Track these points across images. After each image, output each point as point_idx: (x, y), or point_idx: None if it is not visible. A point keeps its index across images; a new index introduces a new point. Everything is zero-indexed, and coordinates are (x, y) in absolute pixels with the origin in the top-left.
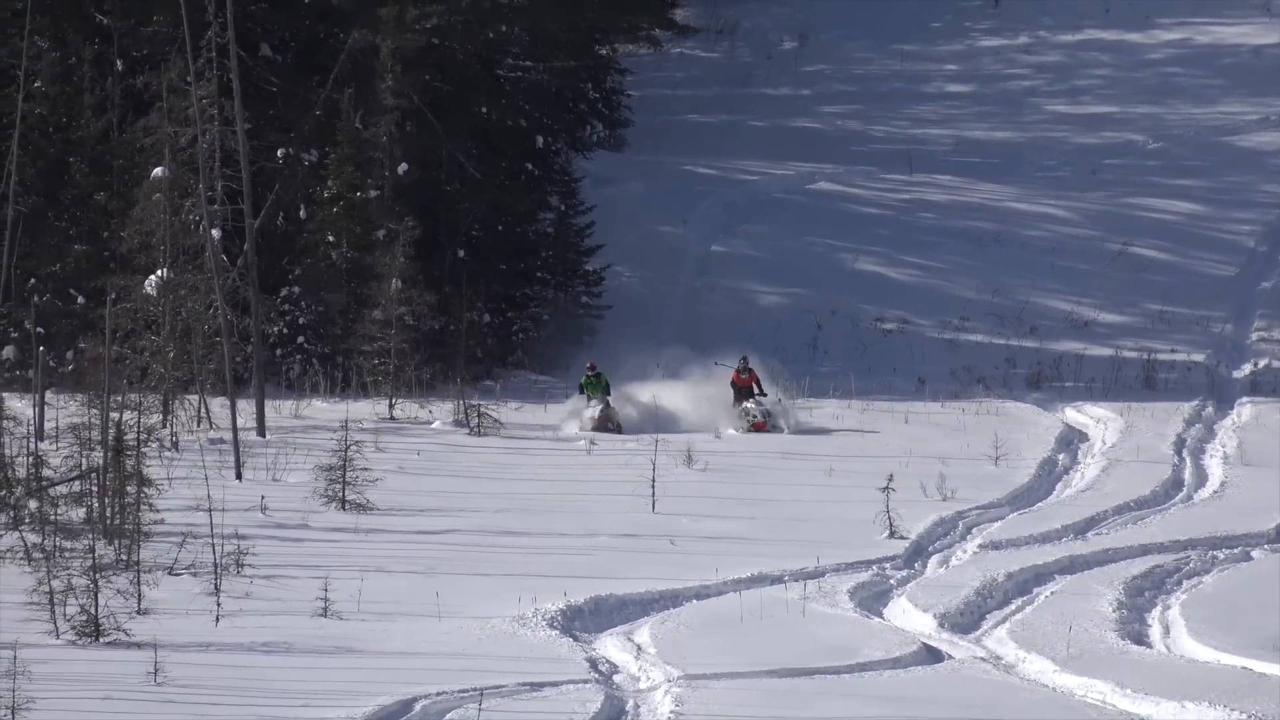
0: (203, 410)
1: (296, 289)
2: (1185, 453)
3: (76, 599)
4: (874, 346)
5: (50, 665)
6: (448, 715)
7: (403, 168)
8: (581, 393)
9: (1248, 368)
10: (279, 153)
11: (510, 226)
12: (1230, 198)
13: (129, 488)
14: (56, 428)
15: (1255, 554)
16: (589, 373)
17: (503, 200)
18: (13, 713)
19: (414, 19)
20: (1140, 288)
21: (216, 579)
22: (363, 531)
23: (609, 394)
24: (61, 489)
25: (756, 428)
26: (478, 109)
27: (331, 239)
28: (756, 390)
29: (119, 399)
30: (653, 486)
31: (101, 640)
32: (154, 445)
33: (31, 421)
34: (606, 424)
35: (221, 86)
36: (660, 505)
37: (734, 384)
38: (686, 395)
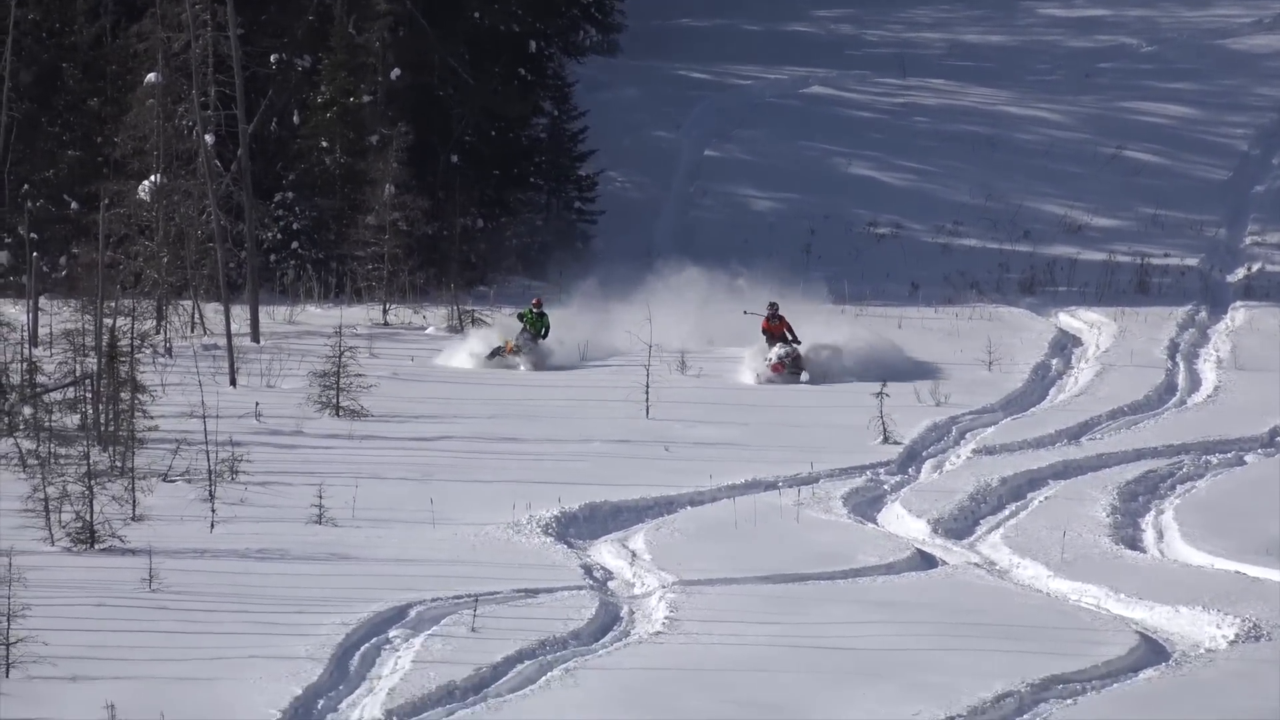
0: (196, 316)
1: (290, 194)
2: (1179, 357)
3: (71, 505)
4: (867, 251)
5: (45, 571)
6: (443, 620)
7: (395, 73)
8: (521, 320)
9: (1241, 272)
10: (272, 58)
11: (503, 132)
12: (1224, 101)
13: (123, 394)
14: (50, 334)
15: (1249, 459)
16: (533, 308)
17: (495, 105)
18: (7, 619)
19: None
20: (1133, 192)
21: (211, 486)
22: (357, 438)
23: (544, 336)
24: (55, 395)
25: (774, 369)
26: (470, 14)
27: (325, 144)
28: (790, 336)
29: (112, 305)
30: (646, 393)
31: (96, 547)
32: (148, 351)
33: (25, 327)
34: (515, 354)
35: None
36: (654, 411)
37: (765, 331)
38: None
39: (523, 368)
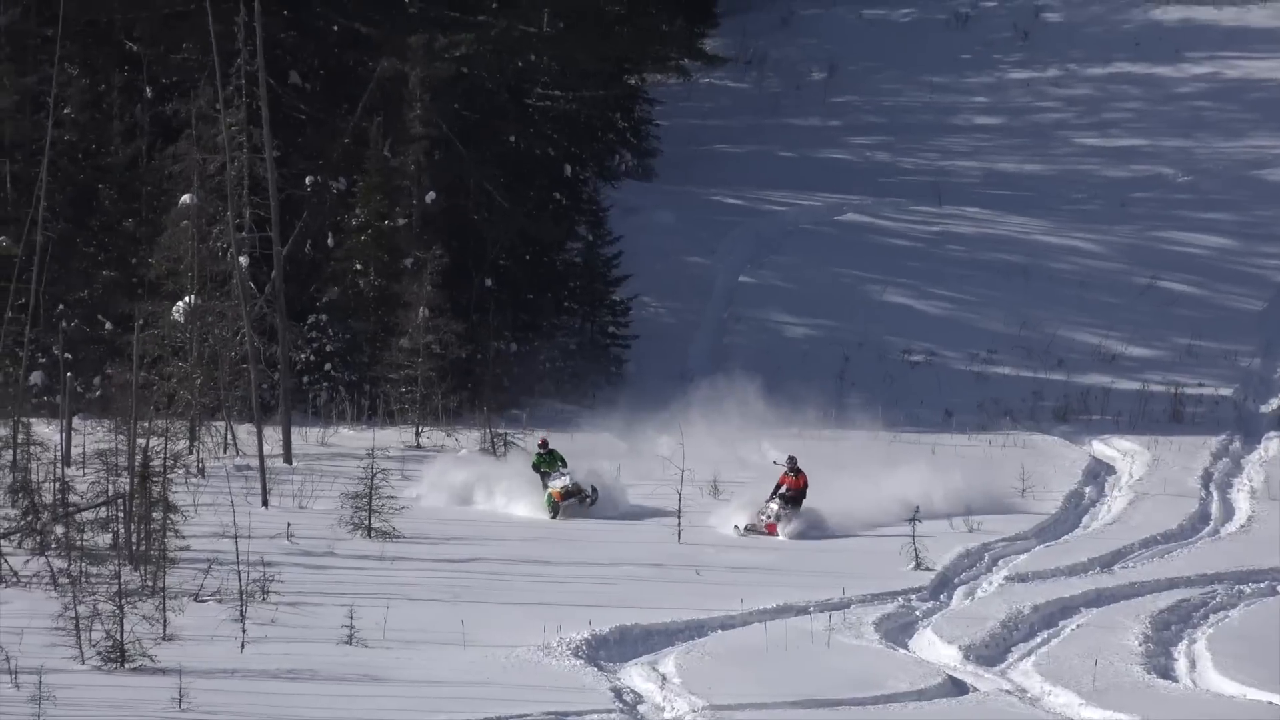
0: (229, 437)
1: (324, 316)
2: (1212, 487)
3: (102, 624)
4: (901, 378)
5: (75, 691)
6: None
7: (430, 196)
8: (536, 470)
9: (1275, 402)
10: (307, 180)
11: (538, 256)
12: (1259, 232)
13: (155, 514)
14: (83, 453)
15: None
16: (540, 450)
17: (530, 229)
18: None
19: (442, 48)
20: (1168, 321)
21: (242, 606)
22: (388, 559)
23: (566, 467)
24: (88, 515)
25: (769, 529)
26: (506, 138)
27: (359, 267)
28: (803, 495)
29: (146, 425)
30: (678, 517)
31: (127, 666)
32: (180, 472)
33: (58, 447)
34: (577, 495)
35: (250, 114)
36: (686, 535)
37: (779, 485)
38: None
39: (588, 501)
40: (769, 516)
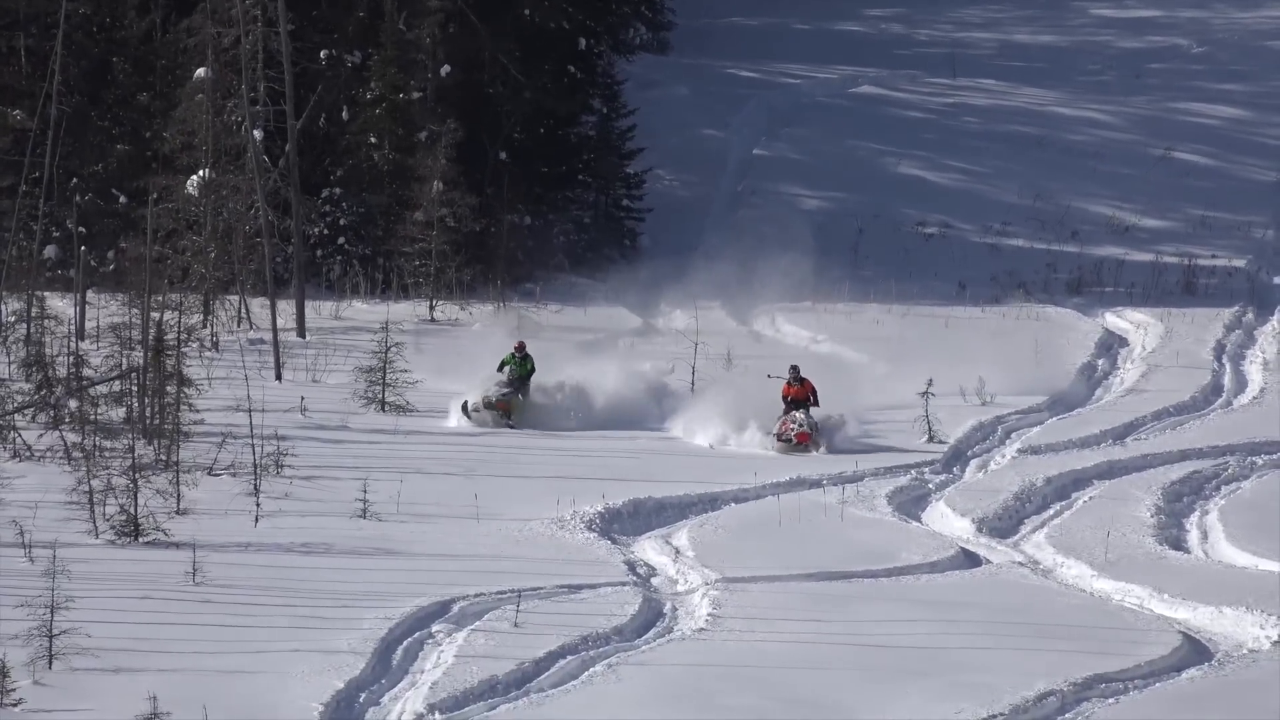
0: (243, 310)
1: (338, 190)
2: (1225, 359)
3: (116, 499)
4: (915, 251)
5: (89, 564)
6: (486, 615)
7: (445, 70)
8: (502, 368)
9: None
10: (322, 54)
11: (552, 129)
12: (1273, 102)
13: (169, 388)
14: (97, 327)
15: None
16: (515, 352)
17: (544, 103)
18: (51, 611)
19: None
20: (1182, 193)
21: (256, 479)
22: (402, 433)
23: (527, 382)
24: (101, 388)
25: (799, 438)
26: (521, 11)
27: (373, 141)
28: (811, 401)
29: (160, 299)
30: (692, 388)
31: (140, 540)
32: (194, 345)
33: (72, 321)
34: (502, 411)
35: None
36: (700, 407)
37: (785, 397)
38: (622, 381)
39: (499, 419)
40: (799, 425)
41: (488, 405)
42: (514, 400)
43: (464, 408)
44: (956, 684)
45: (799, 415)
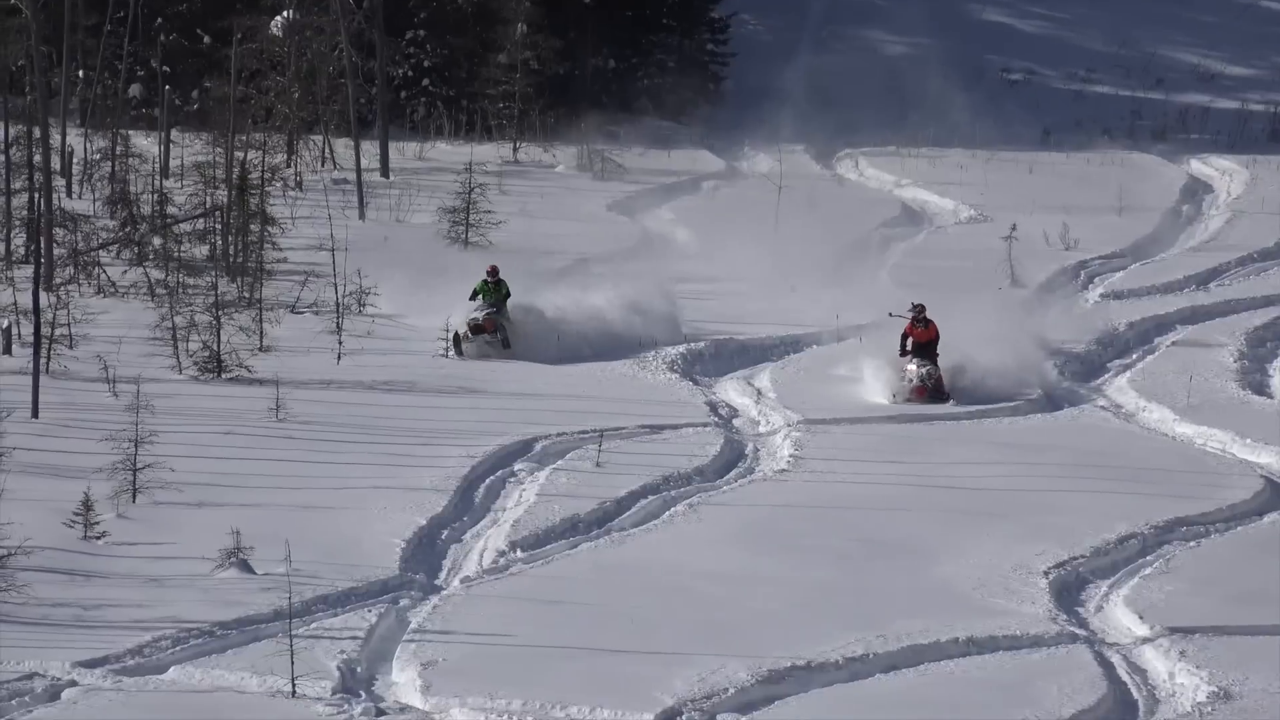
0: (327, 151)
1: (421, 32)
2: None
3: (199, 335)
4: (1000, 97)
5: (172, 400)
6: (568, 455)
7: None
8: (473, 298)
9: None
10: None
11: None
12: None
13: (252, 226)
14: (181, 166)
15: None
16: (488, 277)
17: None
18: (135, 445)
19: None
20: (1269, 40)
21: (338, 318)
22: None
23: (505, 306)
24: (185, 226)
25: (918, 392)
26: None
27: None
28: (934, 347)
29: (243, 139)
30: (775, 228)
31: (223, 376)
32: (278, 184)
33: (156, 159)
34: (489, 332)
35: None
36: (784, 250)
37: (905, 336)
38: (615, 303)
39: (492, 342)
40: (914, 380)
41: (475, 329)
42: (499, 319)
43: (455, 341)
44: (1037, 526)
45: (911, 368)
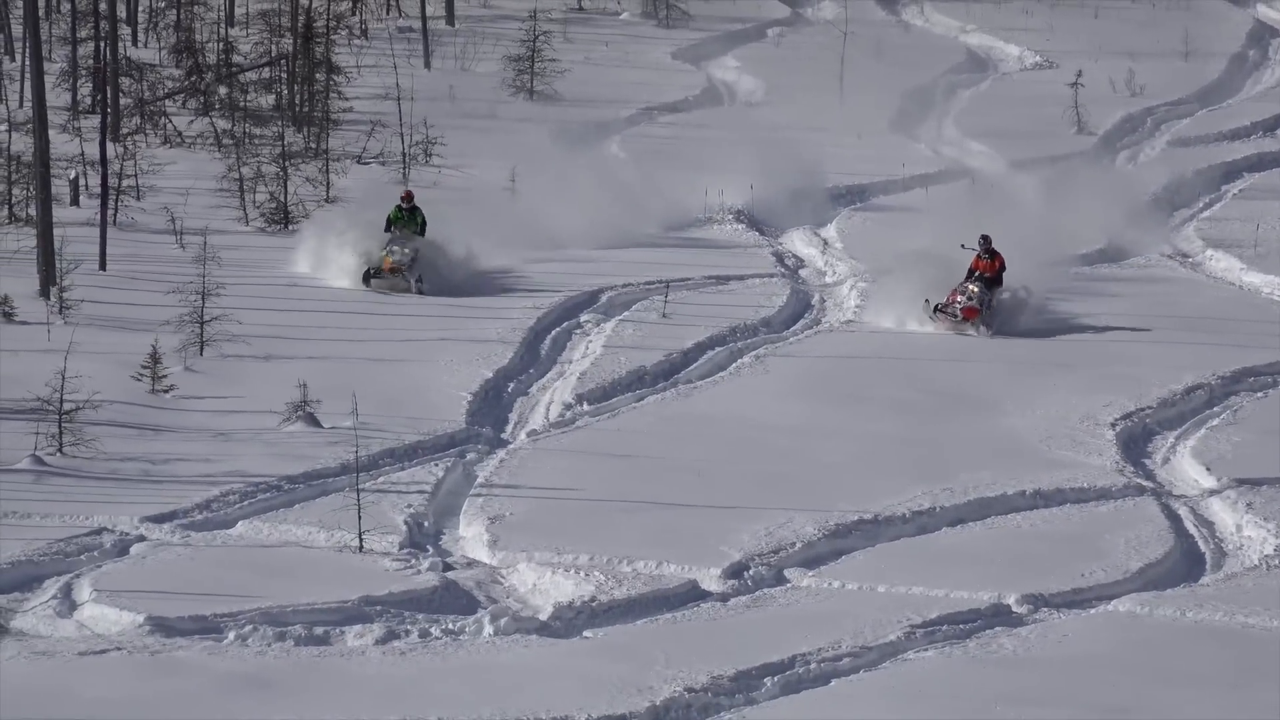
0: None
1: None
2: None
3: (265, 186)
4: None
5: (239, 251)
6: (634, 306)
7: None
8: (388, 228)
9: None
10: None
11: None
12: None
13: (318, 75)
14: (246, 14)
15: None
16: (402, 203)
17: None
18: (202, 297)
19: None
20: None
21: (404, 168)
22: (551, 122)
23: (421, 235)
24: (251, 75)
25: (966, 313)
26: None
27: None
28: (998, 278)
29: None
30: (840, 76)
31: (290, 228)
32: (343, 33)
33: (221, 7)
34: (400, 276)
35: None
36: (849, 99)
37: (972, 271)
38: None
39: (413, 286)
40: (968, 298)
41: (394, 270)
42: (413, 263)
43: (365, 277)
44: (1104, 377)
45: (970, 286)
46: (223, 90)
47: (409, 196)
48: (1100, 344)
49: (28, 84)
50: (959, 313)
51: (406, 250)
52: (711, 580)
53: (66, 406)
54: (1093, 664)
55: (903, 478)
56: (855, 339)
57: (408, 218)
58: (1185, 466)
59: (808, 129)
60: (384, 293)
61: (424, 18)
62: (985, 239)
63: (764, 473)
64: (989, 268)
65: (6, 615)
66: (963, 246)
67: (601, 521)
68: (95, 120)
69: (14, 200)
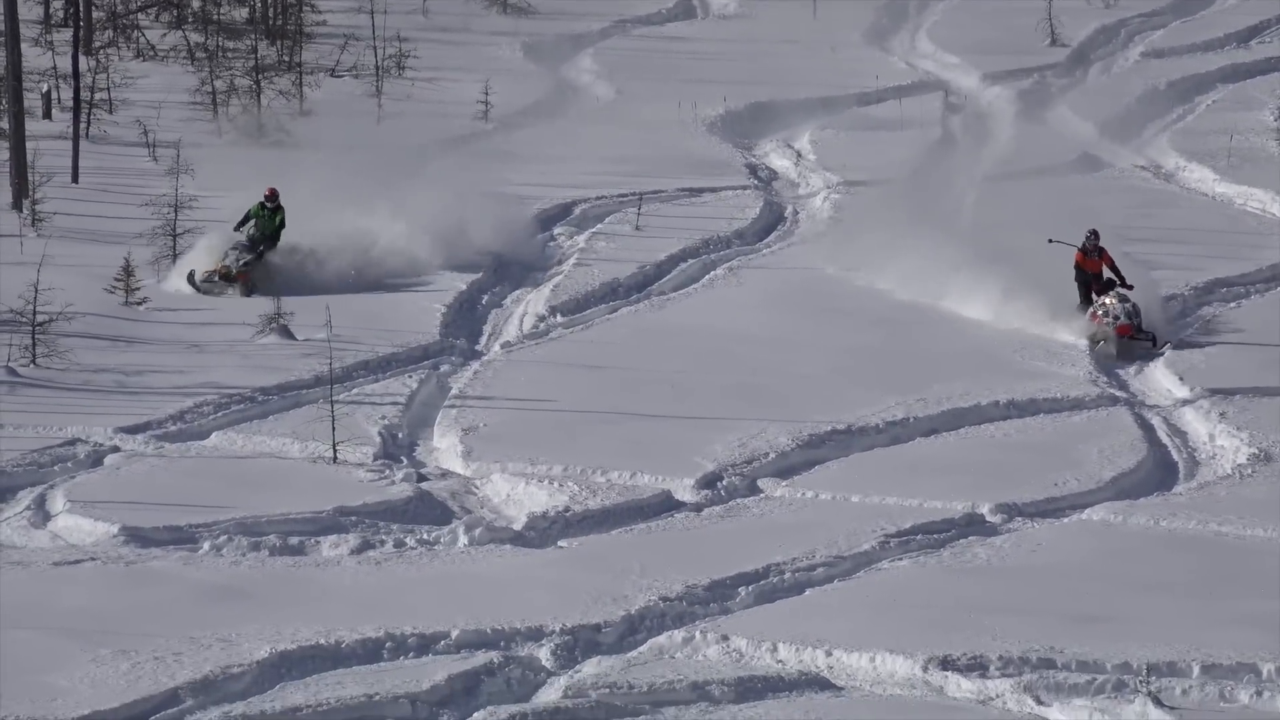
0: None
1: None
2: None
3: (239, 99)
4: None
5: (212, 164)
6: (607, 219)
7: None
8: (241, 225)
9: None
10: None
11: None
12: None
13: None
14: None
15: None
16: (265, 201)
17: None
18: (175, 210)
19: None
20: None
21: (378, 81)
22: (522, 35)
23: (275, 240)
24: None
25: (1120, 331)
26: None
27: None
28: (1115, 275)
29: None
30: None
31: (264, 141)
32: None
33: None
34: (242, 282)
35: None
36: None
37: (1078, 267)
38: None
39: (236, 291)
40: (1118, 318)
41: (224, 277)
42: (255, 269)
43: (189, 278)
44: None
45: (1112, 303)
46: (196, 3)
47: (273, 195)
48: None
49: None
50: (1114, 332)
51: (243, 256)
52: (685, 490)
53: (39, 318)
54: (1065, 572)
55: (876, 388)
56: (826, 250)
57: (268, 217)
58: (1158, 376)
59: (781, 41)
60: (210, 294)
61: None
62: (1093, 233)
63: (737, 384)
64: (1096, 265)
65: None
66: (1051, 241)
67: (575, 432)
68: (68, 34)
69: None
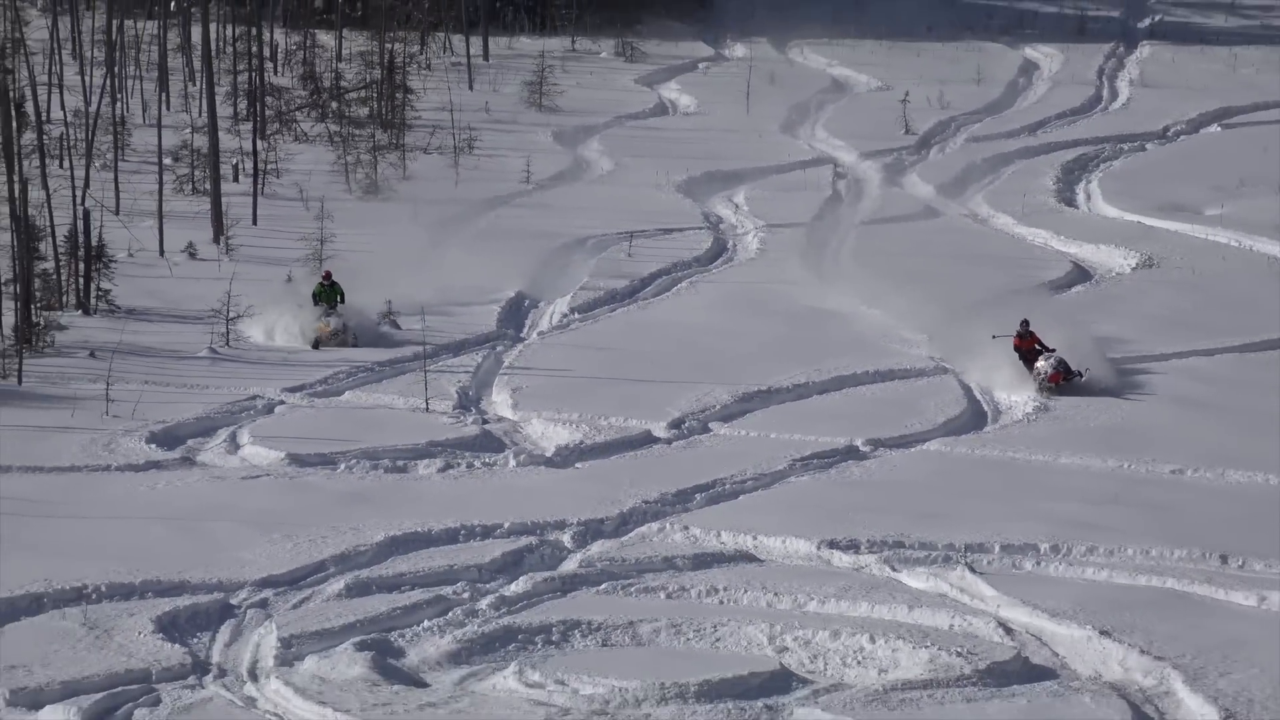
0: (447, 43)
1: None
2: (1104, 78)
3: (362, 168)
4: (895, 5)
5: (345, 212)
6: (608, 249)
7: None
8: (316, 304)
9: (1147, 20)
10: None
11: None
12: None
13: (398, 94)
14: (350, 53)
15: (1149, 146)
16: (323, 281)
17: None
18: (321, 242)
19: None
20: None
21: (455, 157)
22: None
23: (342, 303)
24: (353, 95)
25: (1052, 379)
26: None
27: None
28: (1040, 347)
29: (391, 34)
30: (747, 95)
31: (379, 196)
32: (414, 65)
33: (332, 48)
34: (339, 338)
35: None
36: (753, 110)
37: (1017, 349)
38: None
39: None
40: (1048, 370)
41: (333, 335)
42: (342, 328)
43: (315, 345)
44: (922, 295)
45: (1043, 365)
46: (334, 104)
47: (328, 275)
48: (915, 273)
49: (204, 101)
50: (1049, 381)
51: (336, 319)
52: (660, 430)
53: (231, 315)
54: (913, 485)
55: (788, 362)
56: (757, 270)
57: (329, 292)
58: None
59: (725, 130)
60: (331, 349)
61: (468, 55)
62: (1024, 322)
63: (696, 360)
64: (1030, 344)
65: (194, 452)
66: (994, 337)
67: (587, 391)
68: (249, 125)
69: (195, 179)
